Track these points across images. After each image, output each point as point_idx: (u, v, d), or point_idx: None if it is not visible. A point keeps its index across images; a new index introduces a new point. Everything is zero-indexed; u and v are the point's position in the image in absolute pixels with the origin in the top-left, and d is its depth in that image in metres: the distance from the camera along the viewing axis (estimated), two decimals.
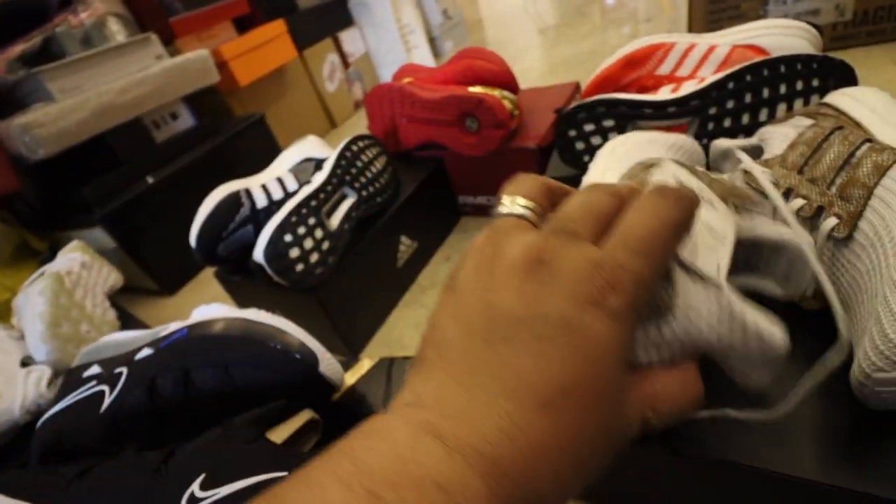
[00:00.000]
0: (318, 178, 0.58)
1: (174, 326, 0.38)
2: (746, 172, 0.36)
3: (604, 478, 0.15)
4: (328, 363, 0.36)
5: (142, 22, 1.02)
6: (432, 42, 1.75)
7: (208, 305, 0.39)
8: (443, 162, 0.74)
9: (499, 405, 0.12)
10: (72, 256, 0.63)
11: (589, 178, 0.35)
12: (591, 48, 1.34)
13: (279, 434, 0.32)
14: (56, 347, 0.50)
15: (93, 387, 0.36)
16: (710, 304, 0.19)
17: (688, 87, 0.48)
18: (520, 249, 0.15)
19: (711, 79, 0.46)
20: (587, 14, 1.66)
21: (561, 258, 0.14)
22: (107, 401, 0.35)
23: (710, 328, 0.19)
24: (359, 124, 1.46)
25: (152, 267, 0.83)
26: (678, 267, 0.20)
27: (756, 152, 0.39)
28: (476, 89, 0.64)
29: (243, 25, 1.24)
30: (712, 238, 0.23)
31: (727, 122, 0.45)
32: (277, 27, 1.25)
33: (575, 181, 0.57)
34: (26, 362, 0.50)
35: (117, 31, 0.93)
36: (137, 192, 0.81)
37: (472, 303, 0.14)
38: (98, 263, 0.66)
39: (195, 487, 0.25)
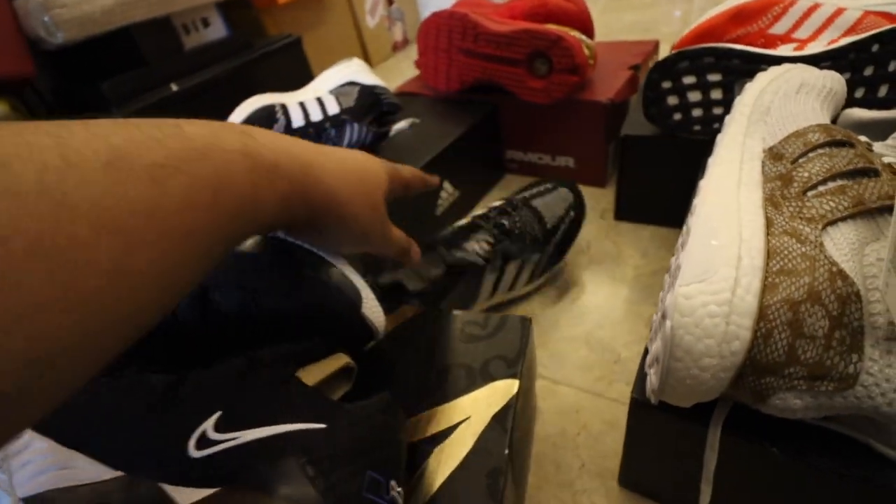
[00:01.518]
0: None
1: None
2: None
3: None
4: (371, 305, 0.31)
5: None
6: None
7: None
8: (495, 109, 0.67)
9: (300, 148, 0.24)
10: None
11: (725, 140, 0.29)
12: (651, 18, 1.24)
13: (310, 376, 0.27)
14: None
15: None
16: None
17: (816, 47, 0.41)
18: None
19: (849, 39, 0.39)
20: None
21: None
22: None
23: (892, 403, 0.19)
24: (396, 68, 1.37)
25: None
26: (871, 338, 0.19)
27: None
28: (551, 27, 0.57)
29: None
30: None
31: (859, 93, 0.38)
32: None
33: (654, 143, 0.51)
34: None
35: None
36: (160, 98, 0.75)
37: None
38: None
39: (208, 427, 0.21)
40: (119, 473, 0.21)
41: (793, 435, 0.23)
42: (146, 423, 0.22)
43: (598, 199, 0.64)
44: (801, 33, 0.47)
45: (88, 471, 0.21)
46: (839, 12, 0.46)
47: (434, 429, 0.28)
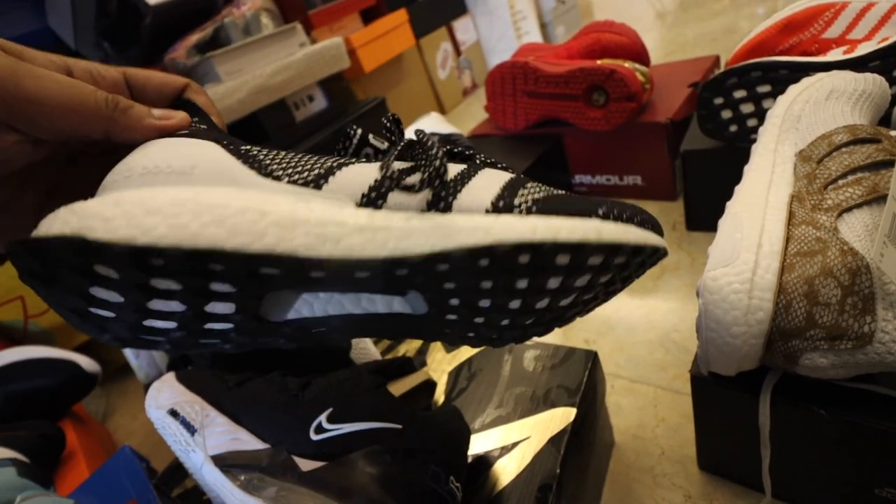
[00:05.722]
0: None
1: None
2: None
3: None
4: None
5: (285, 15, 1.15)
6: (543, 28, 1.72)
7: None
8: (560, 139, 0.73)
9: None
10: None
11: (759, 148, 0.33)
12: (718, 28, 1.23)
13: (397, 388, 0.34)
14: None
15: None
16: None
17: (866, 48, 0.43)
18: None
19: None
20: None
21: None
22: None
23: None
24: (466, 111, 1.49)
25: None
26: (884, 303, 0.23)
27: None
28: (605, 62, 0.63)
29: (368, 16, 1.33)
30: None
31: None
32: (399, 17, 1.33)
33: (714, 155, 0.54)
34: None
35: (267, 24, 1.05)
36: None
37: None
38: None
39: (323, 419, 0.29)
40: (267, 445, 0.30)
41: (839, 399, 0.26)
42: (285, 413, 0.31)
43: (669, 212, 0.66)
44: (857, 33, 0.48)
45: (249, 442, 0.31)
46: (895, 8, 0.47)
47: (498, 444, 0.32)
